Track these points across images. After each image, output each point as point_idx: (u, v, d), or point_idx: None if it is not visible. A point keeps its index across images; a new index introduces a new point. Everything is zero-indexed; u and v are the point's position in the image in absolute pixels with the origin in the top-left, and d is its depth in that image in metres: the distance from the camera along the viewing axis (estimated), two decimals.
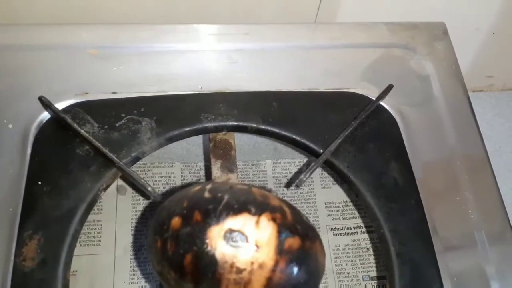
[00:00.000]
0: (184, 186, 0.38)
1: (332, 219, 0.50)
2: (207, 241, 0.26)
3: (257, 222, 0.27)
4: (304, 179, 0.38)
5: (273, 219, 0.27)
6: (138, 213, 0.48)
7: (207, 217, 0.27)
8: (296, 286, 0.28)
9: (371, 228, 0.48)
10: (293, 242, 0.27)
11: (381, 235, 0.39)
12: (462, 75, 0.50)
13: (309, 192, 0.51)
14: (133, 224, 0.47)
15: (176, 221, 0.27)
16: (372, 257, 0.47)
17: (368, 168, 0.41)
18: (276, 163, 0.52)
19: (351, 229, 0.49)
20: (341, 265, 0.47)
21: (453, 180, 0.43)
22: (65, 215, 0.37)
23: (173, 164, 0.51)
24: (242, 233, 0.26)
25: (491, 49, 0.66)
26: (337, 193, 0.50)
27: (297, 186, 0.39)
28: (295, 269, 0.27)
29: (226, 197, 0.28)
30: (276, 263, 0.26)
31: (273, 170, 0.52)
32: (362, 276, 0.46)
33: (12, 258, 0.36)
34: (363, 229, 0.49)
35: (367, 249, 0.48)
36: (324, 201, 0.50)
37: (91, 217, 0.46)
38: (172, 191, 0.46)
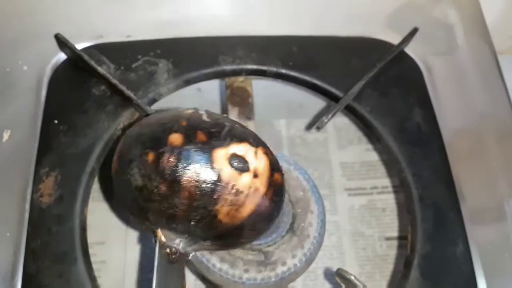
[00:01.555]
0: None
1: (348, 179, 0.49)
2: (212, 160, 0.27)
3: (256, 153, 0.29)
4: (326, 120, 0.37)
5: (266, 153, 0.30)
6: None
7: (212, 139, 0.28)
8: (272, 215, 0.31)
9: (388, 188, 0.47)
10: (278, 176, 0.30)
11: (403, 179, 0.38)
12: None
13: (324, 152, 0.51)
14: None
15: (176, 137, 0.28)
16: (388, 217, 0.47)
17: (391, 112, 0.40)
18: (290, 122, 0.51)
19: (366, 189, 0.48)
20: (356, 225, 0.47)
21: (481, 145, 0.41)
22: (82, 152, 0.37)
23: None
24: (245, 160, 0.28)
25: None
26: (353, 154, 0.50)
27: (318, 128, 0.38)
28: (276, 200, 0.30)
29: (227, 124, 0.29)
30: (266, 192, 0.29)
31: (287, 130, 0.51)
32: (378, 236, 0.46)
33: (30, 194, 0.35)
34: (380, 190, 0.48)
35: (383, 209, 0.47)
36: (340, 162, 0.49)
37: (103, 172, 0.46)
38: None
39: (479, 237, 0.37)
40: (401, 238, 0.45)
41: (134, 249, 0.43)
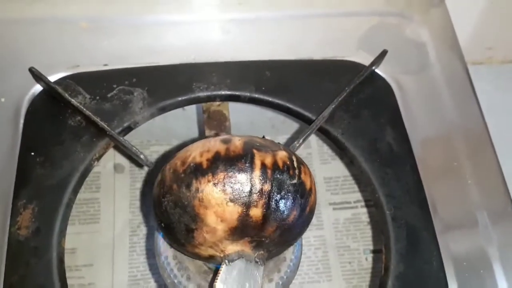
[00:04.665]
0: None
1: (332, 193, 0.50)
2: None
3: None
4: (297, 145, 0.38)
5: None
6: (137, 191, 0.48)
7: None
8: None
9: (371, 201, 0.48)
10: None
11: (376, 200, 0.39)
12: (461, 47, 0.49)
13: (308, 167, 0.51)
14: (131, 201, 0.47)
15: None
16: (373, 230, 0.47)
17: (363, 134, 0.41)
18: (274, 140, 0.52)
19: (351, 203, 0.49)
20: (342, 238, 0.47)
21: (453, 157, 0.42)
22: (58, 184, 0.37)
23: (170, 142, 0.51)
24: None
25: (491, 19, 0.65)
26: (337, 168, 0.50)
27: None
28: None
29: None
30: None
31: None
32: (363, 249, 0.46)
33: (8, 227, 0.36)
34: (363, 203, 0.48)
35: (368, 222, 0.48)
36: (324, 176, 0.50)
37: (89, 195, 0.47)
38: None
39: (454, 251, 0.38)
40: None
41: (122, 270, 0.44)
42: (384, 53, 0.44)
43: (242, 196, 0.29)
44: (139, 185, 0.48)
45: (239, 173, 0.29)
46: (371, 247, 0.46)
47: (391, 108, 0.43)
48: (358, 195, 0.49)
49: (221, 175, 0.29)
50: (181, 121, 0.51)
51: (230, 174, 0.29)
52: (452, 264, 0.38)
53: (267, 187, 0.29)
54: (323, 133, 0.42)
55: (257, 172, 0.29)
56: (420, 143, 0.42)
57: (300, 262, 0.38)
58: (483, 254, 0.38)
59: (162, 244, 0.36)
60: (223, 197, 0.29)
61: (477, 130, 0.43)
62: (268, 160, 0.30)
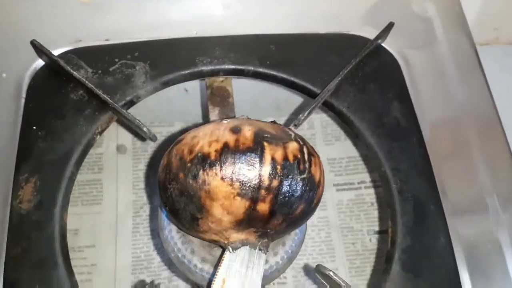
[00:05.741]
0: None
1: (335, 175, 0.49)
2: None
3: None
4: (303, 118, 0.37)
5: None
6: (139, 172, 0.48)
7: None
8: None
9: (376, 183, 0.47)
10: None
11: (383, 174, 0.38)
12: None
13: None
14: (134, 182, 0.47)
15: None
16: (377, 211, 0.47)
17: (369, 108, 0.40)
18: (278, 121, 0.51)
19: (354, 184, 0.48)
20: (345, 220, 0.47)
21: (462, 139, 0.41)
22: (60, 158, 0.37)
23: (173, 124, 0.50)
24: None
25: None
26: (340, 149, 0.50)
27: (295, 125, 0.38)
28: None
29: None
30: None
31: None
32: (367, 230, 0.46)
33: (9, 201, 0.35)
34: (367, 184, 0.48)
35: (372, 203, 0.47)
36: (327, 157, 0.49)
37: (91, 176, 0.46)
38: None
39: (461, 230, 0.37)
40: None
41: (125, 251, 0.43)
42: (390, 25, 0.43)
43: (250, 191, 0.28)
44: (142, 166, 0.48)
45: (248, 168, 0.28)
46: (375, 228, 0.46)
47: (398, 83, 0.42)
48: (361, 176, 0.48)
49: (229, 169, 0.28)
50: (184, 102, 0.51)
51: (238, 168, 0.28)
52: (459, 240, 0.37)
53: (276, 183, 0.29)
54: (328, 107, 0.41)
55: (266, 168, 0.28)
56: (427, 122, 0.41)
57: (304, 237, 0.37)
58: (491, 232, 0.37)
59: (165, 218, 0.36)
60: (230, 191, 0.28)
61: (486, 112, 0.42)
62: (279, 154, 0.29)
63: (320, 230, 0.46)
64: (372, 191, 0.47)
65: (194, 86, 0.48)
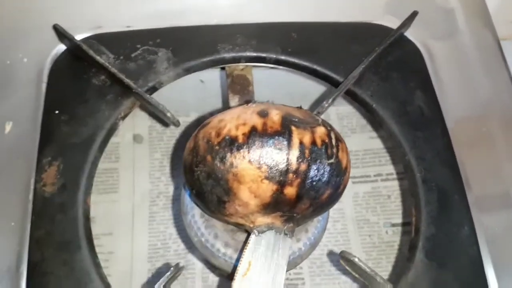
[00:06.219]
0: None
1: (352, 167, 0.49)
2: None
3: None
4: (327, 105, 0.37)
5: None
6: (156, 161, 0.47)
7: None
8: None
9: (392, 175, 0.47)
10: None
11: (406, 163, 0.38)
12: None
13: None
14: (151, 172, 0.47)
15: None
16: (394, 204, 0.46)
17: (392, 96, 0.40)
18: None
19: (370, 176, 0.48)
20: (361, 212, 0.46)
21: (486, 132, 0.41)
22: (83, 142, 0.37)
23: (188, 114, 0.50)
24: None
25: None
26: (357, 142, 0.49)
27: (319, 113, 0.37)
28: None
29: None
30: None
31: None
32: (384, 223, 0.46)
33: (33, 184, 0.36)
34: (384, 177, 0.48)
35: (388, 196, 0.47)
36: None
37: (108, 165, 0.46)
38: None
39: (486, 221, 0.37)
40: (407, 224, 0.45)
41: (141, 240, 0.43)
42: (414, 14, 0.42)
43: (277, 174, 0.28)
44: (158, 155, 0.48)
45: (276, 151, 0.28)
46: (391, 221, 0.46)
47: (421, 72, 0.42)
48: (378, 169, 0.48)
49: (257, 152, 0.28)
50: (199, 93, 0.51)
51: (266, 151, 0.28)
52: (483, 230, 0.37)
53: (304, 166, 0.28)
54: (351, 96, 0.41)
55: (294, 151, 0.28)
56: (451, 113, 0.41)
57: (327, 224, 0.37)
58: None
59: (189, 203, 0.36)
60: (258, 174, 0.28)
61: (510, 105, 0.42)
62: (307, 138, 0.29)
63: (335, 222, 0.46)
64: (388, 183, 0.47)
65: (209, 77, 0.47)
